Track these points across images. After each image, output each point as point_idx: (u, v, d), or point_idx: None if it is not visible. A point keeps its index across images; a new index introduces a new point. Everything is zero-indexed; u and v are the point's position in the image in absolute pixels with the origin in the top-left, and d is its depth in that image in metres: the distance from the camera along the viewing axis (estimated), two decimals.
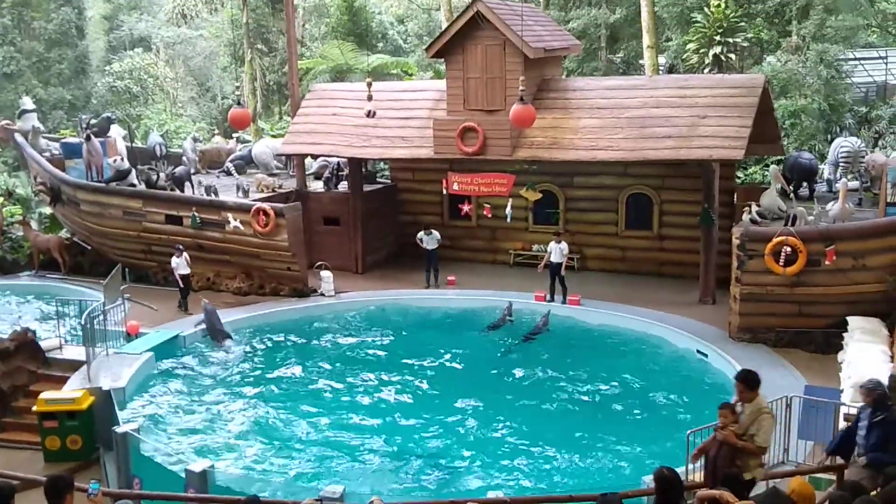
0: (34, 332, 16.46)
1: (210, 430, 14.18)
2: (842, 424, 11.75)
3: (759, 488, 8.37)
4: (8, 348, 15.61)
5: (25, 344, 15.90)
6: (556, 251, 18.80)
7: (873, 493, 7.31)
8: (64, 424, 13.56)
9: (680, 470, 8.60)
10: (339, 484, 10.85)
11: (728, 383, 15.11)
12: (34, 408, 13.95)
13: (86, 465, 13.24)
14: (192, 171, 23.72)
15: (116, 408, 13.78)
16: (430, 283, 20.71)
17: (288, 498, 10.15)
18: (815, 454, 11.62)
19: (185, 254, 19.33)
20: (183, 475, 11.18)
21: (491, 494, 10.27)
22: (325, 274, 20.25)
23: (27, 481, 9.76)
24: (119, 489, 11.58)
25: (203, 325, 17.87)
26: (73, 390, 14.39)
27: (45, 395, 14.09)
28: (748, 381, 8.87)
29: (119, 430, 12.54)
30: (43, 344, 16.30)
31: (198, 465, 11.28)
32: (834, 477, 9.93)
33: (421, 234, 20.85)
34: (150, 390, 15.55)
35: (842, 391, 13.15)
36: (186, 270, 19.39)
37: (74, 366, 15.69)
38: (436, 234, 20.85)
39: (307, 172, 23.68)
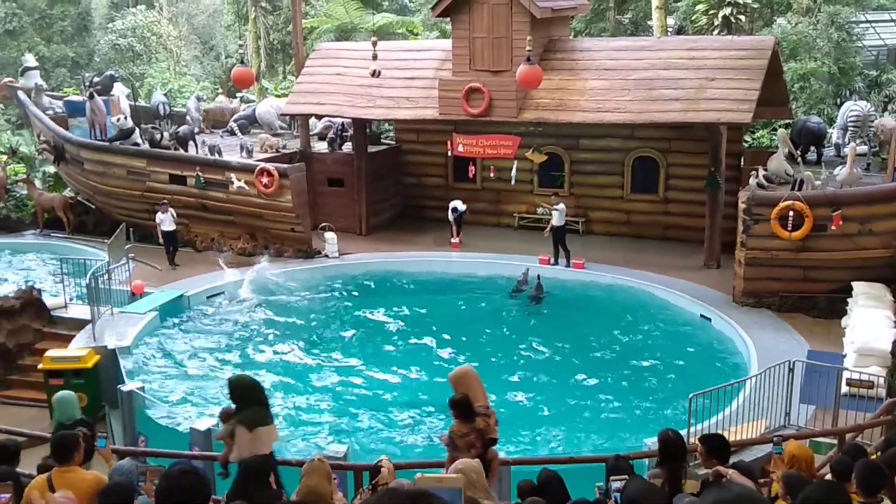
0: (39, 291, 16.52)
1: (214, 388, 14.28)
2: (843, 389, 11.81)
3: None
4: (13, 306, 15.69)
5: (31, 302, 15.98)
6: (556, 214, 18.71)
7: None
8: (70, 382, 13.64)
9: (682, 432, 8.64)
10: (342, 444, 10.98)
11: (732, 348, 15.23)
12: (40, 365, 14.08)
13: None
14: (196, 130, 23.58)
15: (122, 366, 13.89)
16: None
17: (291, 457, 10.23)
18: (817, 418, 11.68)
19: (171, 210, 19.39)
20: (187, 433, 11.29)
21: None
22: (329, 235, 20.23)
23: (33, 438, 9.85)
24: (125, 447, 11.69)
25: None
26: (78, 349, 14.48)
27: (50, 352, 14.19)
28: None
29: (124, 388, 12.67)
30: (48, 302, 16.36)
31: (202, 423, 11.38)
32: (835, 441, 9.98)
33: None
34: (155, 349, 15.64)
35: (844, 356, 13.22)
36: (171, 227, 19.45)
37: (80, 324, 15.79)
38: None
39: (311, 133, 23.54)
